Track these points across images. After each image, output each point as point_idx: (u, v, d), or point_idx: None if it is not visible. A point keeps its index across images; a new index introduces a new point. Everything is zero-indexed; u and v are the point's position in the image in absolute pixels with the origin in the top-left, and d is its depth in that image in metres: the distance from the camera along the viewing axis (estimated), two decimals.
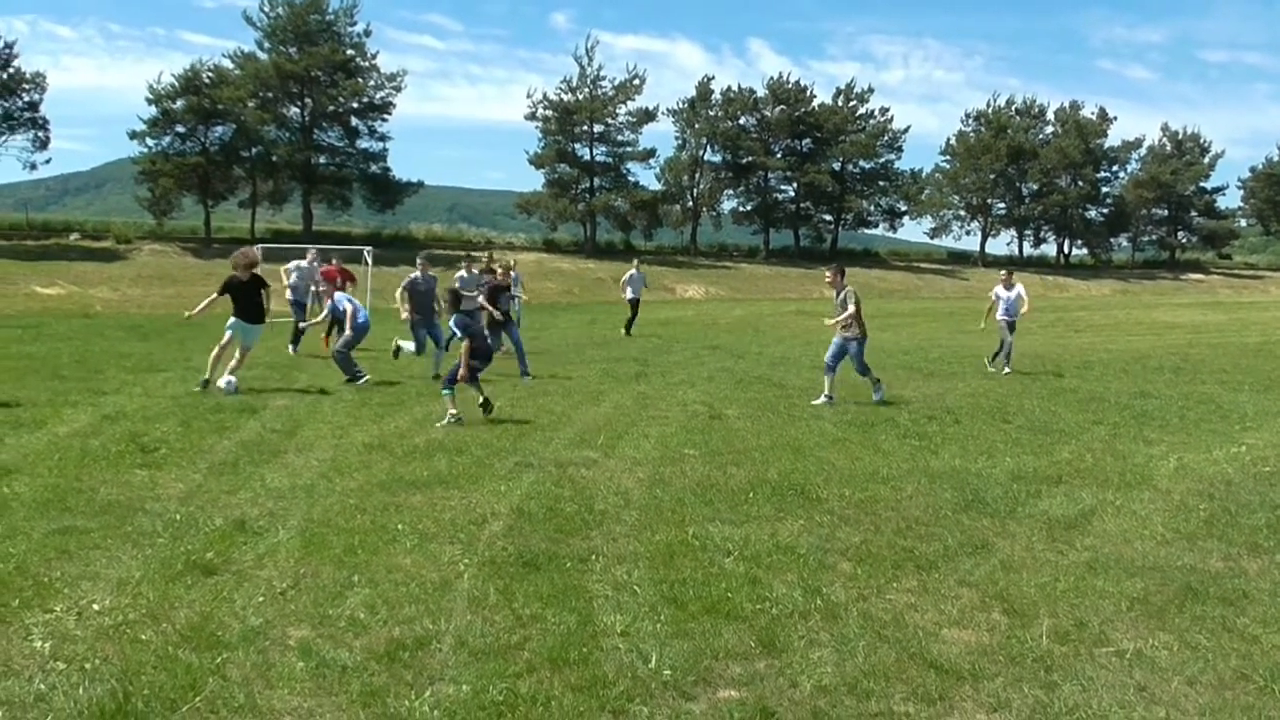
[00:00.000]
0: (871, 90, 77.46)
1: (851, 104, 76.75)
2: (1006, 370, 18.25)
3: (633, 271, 26.92)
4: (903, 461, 10.00)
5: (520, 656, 5.08)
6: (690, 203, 73.35)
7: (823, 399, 13.91)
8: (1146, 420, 12.96)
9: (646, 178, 75.30)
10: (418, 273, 16.56)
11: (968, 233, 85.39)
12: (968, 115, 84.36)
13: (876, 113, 77.21)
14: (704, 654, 5.15)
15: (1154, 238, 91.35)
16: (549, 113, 66.08)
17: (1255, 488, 9.15)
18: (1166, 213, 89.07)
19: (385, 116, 60.83)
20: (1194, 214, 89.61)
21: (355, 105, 59.45)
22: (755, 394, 14.85)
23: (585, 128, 66.55)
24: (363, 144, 61.03)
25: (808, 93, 75.58)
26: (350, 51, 58.28)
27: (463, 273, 19.43)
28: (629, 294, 26.44)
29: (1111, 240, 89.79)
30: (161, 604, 5.69)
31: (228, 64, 56.36)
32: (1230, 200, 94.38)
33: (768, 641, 5.32)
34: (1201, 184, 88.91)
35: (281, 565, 6.44)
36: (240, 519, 7.49)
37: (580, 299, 46.95)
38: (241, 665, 4.91)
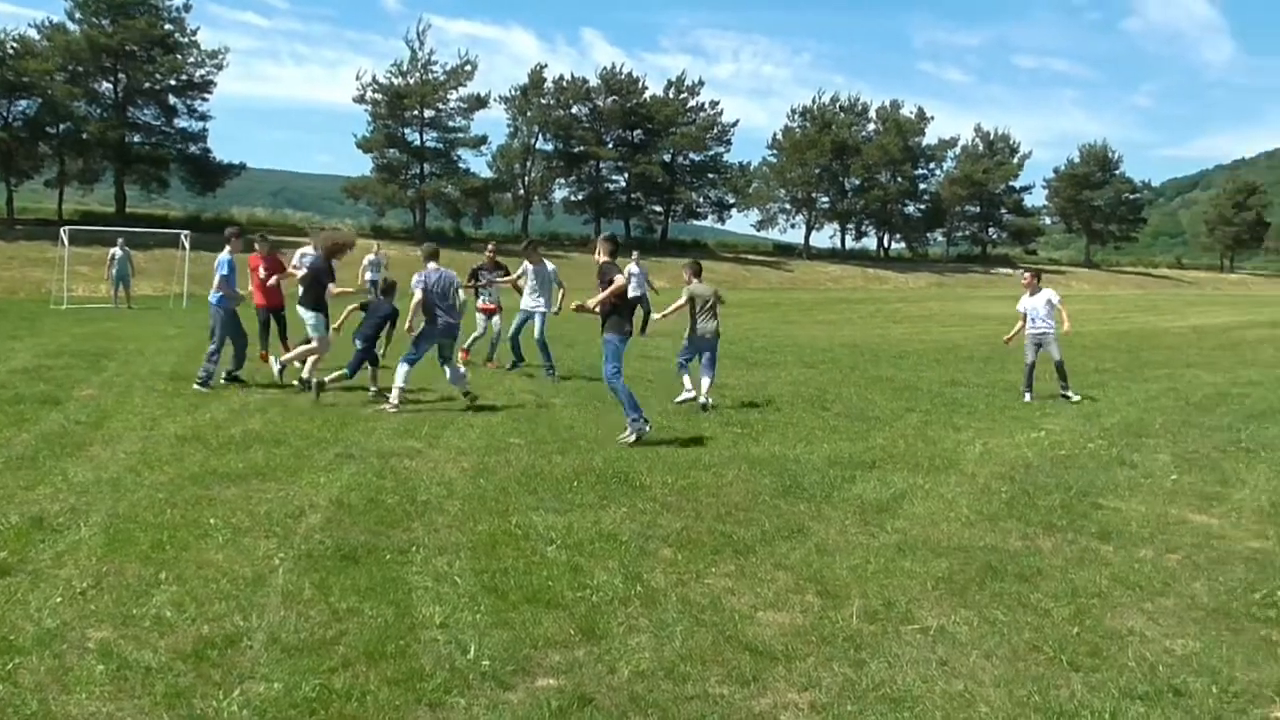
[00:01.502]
0: (702, 83, 78.71)
1: (682, 96, 77.73)
2: (1068, 395, 14.44)
3: (632, 266, 25.60)
4: (725, 448, 10.19)
5: (335, 651, 4.98)
6: (522, 191, 73.14)
7: (702, 398, 12.77)
8: (956, 407, 13.53)
9: (478, 165, 74.85)
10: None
11: (793, 226, 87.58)
12: (794, 111, 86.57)
13: (707, 105, 78.51)
14: (523, 643, 5.14)
15: (967, 233, 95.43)
16: (378, 96, 64.89)
17: (1052, 470, 9.66)
18: (979, 209, 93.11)
19: (205, 95, 58.75)
20: (1004, 211, 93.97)
21: (173, 83, 57.18)
22: (583, 383, 14.90)
23: (416, 112, 65.62)
24: (181, 123, 58.87)
25: (640, 84, 76.27)
26: (169, 26, 55.97)
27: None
28: (634, 290, 24.83)
29: (928, 235, 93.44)
30: None
31: (34, 34, 53.42)
32: (1036, 199, 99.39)
33: (587, 629, 5.35)
34: (1011, 183, 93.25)
35: (82, 564, 6.15)
36: (38, 515, 7.12)
37: (406, 285, 46.14)
38: (35, 670, 4.67)
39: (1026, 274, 15.78)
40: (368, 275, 26.44)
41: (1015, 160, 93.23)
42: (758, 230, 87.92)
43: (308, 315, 13.34)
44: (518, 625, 5.36)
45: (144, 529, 6.89)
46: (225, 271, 13.63)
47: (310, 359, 13.34)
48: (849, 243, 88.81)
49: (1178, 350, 24.30)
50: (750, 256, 77.52)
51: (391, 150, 66.77)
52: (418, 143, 66.85)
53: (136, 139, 57.28)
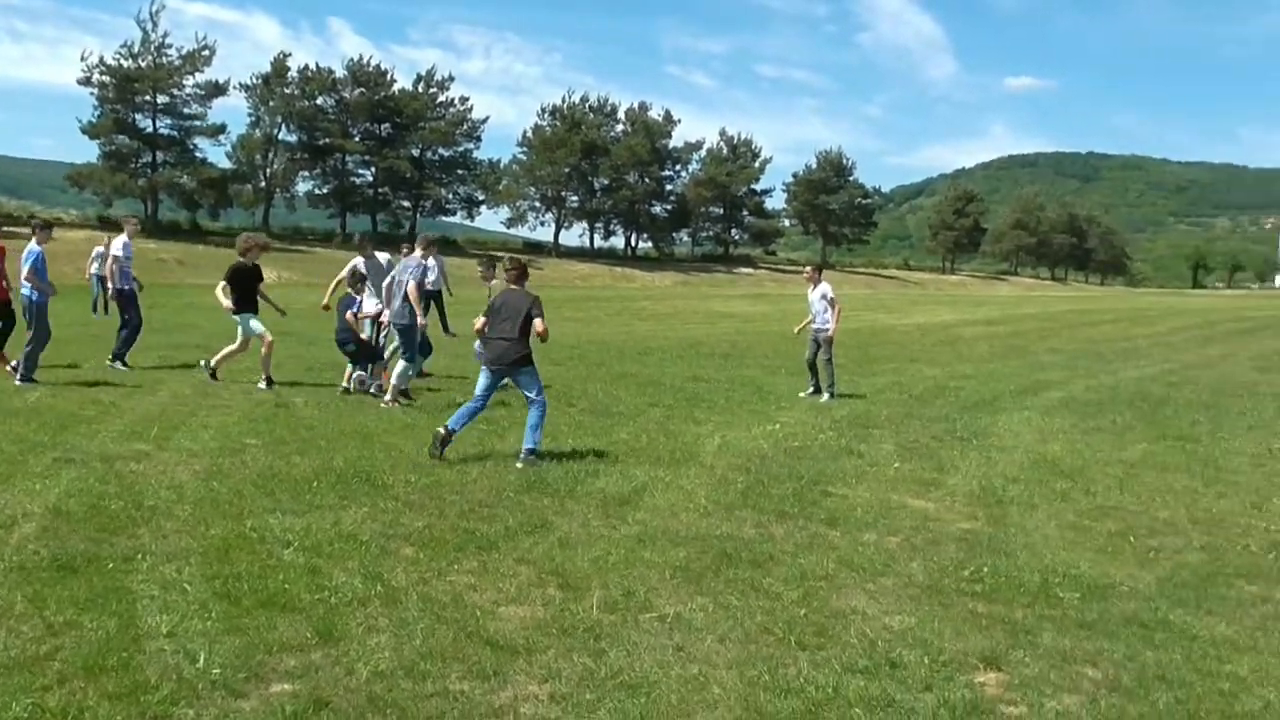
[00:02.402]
0: (452, 79, 78.09)
1: (432, 91, 76.87)
2: (826, 398, 14.60)
3: (429, 259, 23.62)
4: (470, 446, 10.13)
5: (50, 668, 4.68)
6: (263, 183, 70.55)
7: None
8: (697, 402, 13.94)
9: (216, 154, 71.63)
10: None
11: (543, 223, 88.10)
12: (544, 109, 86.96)
13: (457, 101, 77.86)
14: (257, 649, 4.98)
15: (711, 233, 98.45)
16: (106, 79, 61.16)
17: (785, 461, 10.10)
18: (722, 211, 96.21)
19: None
20: (746, 213, 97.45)
21: None
22: (326, 380, 14.51)
23: (148, 98, 62.25)
24: None
25: (388, 77, 75.07)
26: None
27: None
28: (432, 284, 23.03)
29: (674, 235, 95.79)
30: None
31: None
32: (777, 202, 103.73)
33: (325, 631, 5.23)
34: (753, 186, 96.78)
35: None
36: None
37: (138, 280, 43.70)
38: None
39: (808, 268, 16.09)
40: (93, 269, 24.98)
41: (757, 164, 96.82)
42: (508, 228, 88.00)
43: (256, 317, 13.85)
44: (251, 631, 5.19)
45: None
46: (37, 264, 13.18)
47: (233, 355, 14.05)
48: (598, 241, 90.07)
49: (903, 346, 25.85)
50: (500, 254, 77.37)
51: (120, 136, 63.14)
52: (150, 129, 63.47)
53: None
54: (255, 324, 13.67)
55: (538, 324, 9.65)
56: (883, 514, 8.20)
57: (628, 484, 8.76)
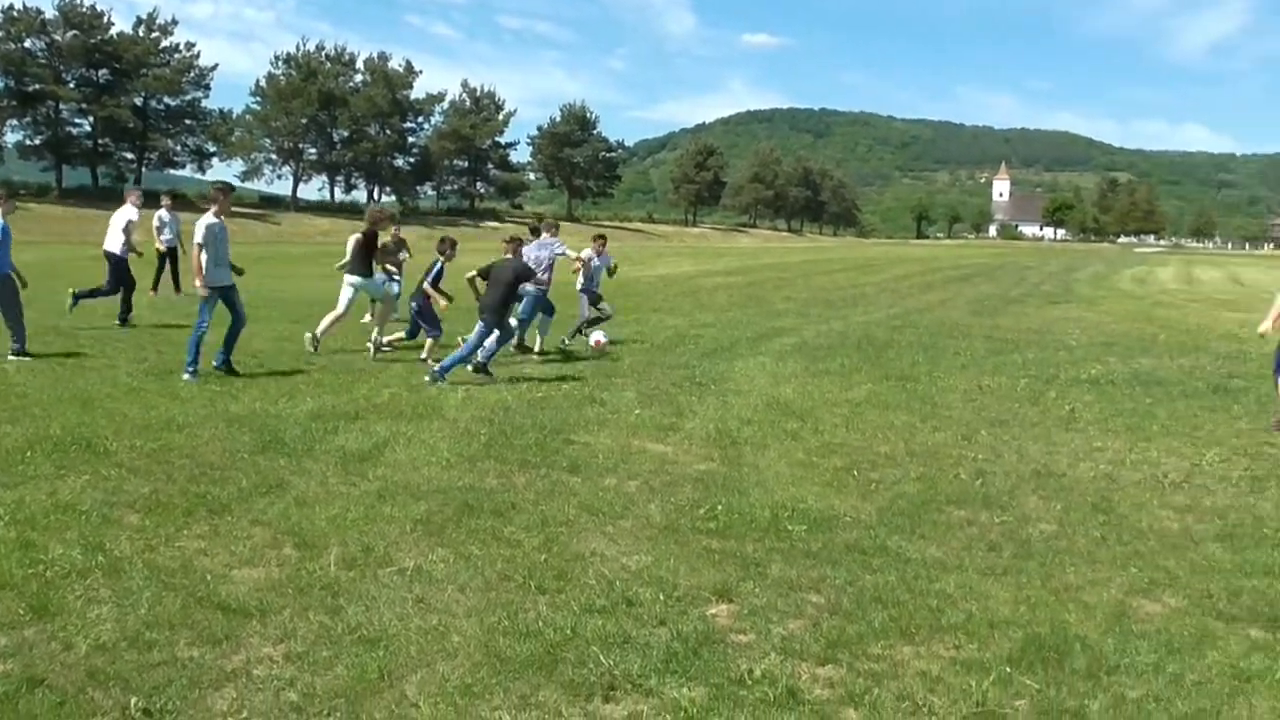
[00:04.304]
0: (176, 23, 73.92)
1: (155, 36, 72.65)
2: (591, 338, 15.50)
3: (163, 214, 21.90)
4: (201, 408, 9.74)
5: None
6: None
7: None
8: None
9: None
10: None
11: (280, 177, 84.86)
12: (278, 58, 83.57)
13: (182, 47, 73.86)
14: None
15: (456, 187, 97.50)
16: None
17: (529, 412, 10.18)
18: (467, 164, 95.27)
19: None
20: (491, 166, 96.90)
21: None
22: (42, 346, 13.56)
23: None
24: None
25: (105, 19, 70.31)
26: None
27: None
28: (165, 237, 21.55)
29: (418, 188, 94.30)
30: None
31: None
32: (522, 155, 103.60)
33: (40, 606, 4.95)
34: (497, 139, 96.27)
35: None
36: None
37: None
38: None
39: (595, 240, 17.61)
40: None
41: (501, 117, 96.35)
42: (243, 181, 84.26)
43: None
44: None
45: None
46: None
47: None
48: (339, 195, 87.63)
49: (646, 297, 26.36)
50: (236, 209, 74.08)
51: None
52: None
53: None
54: (390, 285, 14.96)
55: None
56: (623, 459, 8.40)
57: (369, 440, 8.64)
